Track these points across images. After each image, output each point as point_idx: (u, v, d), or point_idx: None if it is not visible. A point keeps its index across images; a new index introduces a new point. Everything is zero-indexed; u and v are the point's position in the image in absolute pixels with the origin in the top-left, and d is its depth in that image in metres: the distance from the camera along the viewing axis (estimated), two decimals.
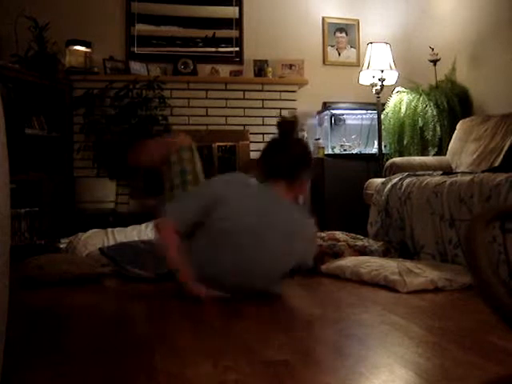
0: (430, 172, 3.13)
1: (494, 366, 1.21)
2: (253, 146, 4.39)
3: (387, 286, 2.18)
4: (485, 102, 3.81)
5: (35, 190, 3.64)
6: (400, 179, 3.08)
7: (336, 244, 2.75)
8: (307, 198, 2.53)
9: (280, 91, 4.52)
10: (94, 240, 2.97)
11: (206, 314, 1.79)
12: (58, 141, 4.03)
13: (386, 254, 2.75)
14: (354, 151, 4.42)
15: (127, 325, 1.69)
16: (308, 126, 4.53)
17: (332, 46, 4.81)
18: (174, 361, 1.27)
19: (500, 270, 1.92)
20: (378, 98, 4.12)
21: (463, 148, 3.56)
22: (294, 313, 1.95)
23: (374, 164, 4.17)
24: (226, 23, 4.61)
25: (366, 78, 4.18)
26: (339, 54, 4.83)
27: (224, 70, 4.55)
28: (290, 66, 4.60)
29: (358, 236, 2.98)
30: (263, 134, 4.45)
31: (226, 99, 4.45)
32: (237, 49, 4.62)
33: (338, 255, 2.67)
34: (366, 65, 4.15)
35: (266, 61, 4.55)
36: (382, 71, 4.07)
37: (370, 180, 3.59)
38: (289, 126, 2.12)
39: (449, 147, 3.74)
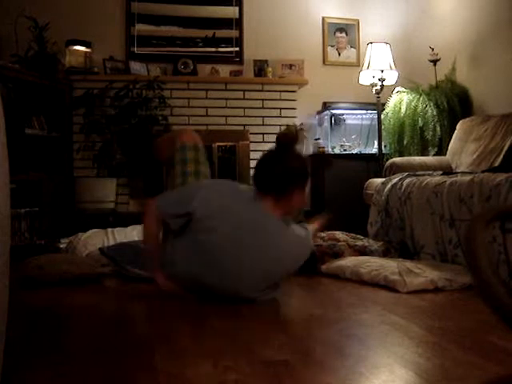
0: (430, 172, 3.13)
1: (493, 366, 1.21)
2: (253, 146, 4.40)
3: (387, 286, 2.18)
4: (485, 102, 3.81)
5: (35, 190, 3.64)
6: (400, 179, 3.08)
7: (336, 244, 2.75)
8: (304, 207, 2.48)
9: (280, 91, 4.52)
10: (94, 240, 2.97)
11: (205, 315, 1.79)
12: (58, 141, 4.03)
13: (386, 253, 2.75)
14: (354, 151, 4.42)
15: (127, 325, 1.69)
16: (308, 126, 4.53)
17: (332, 46, 4.81)
18: (174, 361, 1.27)
19: (500, 270, 1.92)
20: (378, 98, 4.12)
21: (463, 148, 3.56)
22: (293, 313, 1.95)
23: (374, 164, 4.18)
24: (225, 23, 4.61)
25: (366, 77, 4.18)
26: (339, 54, 4.82)
27: (224, 70, 4.55)
28: (290, 66, 4.60)
29: (358, 236, 2.98)
30: (263, 134, 4.46)
31: (226, 99, 4.45)
32: (237, 49, 4.62)
33: (338, 255, 2.67)
34: (365, 65, 4.15)
35: (266, 61, 4.55)
36: (382, 71, 4.07)
37: (370, 180, 3.59)
38: (288, 140, 2.01)
39: (449, 147, 3.74)
